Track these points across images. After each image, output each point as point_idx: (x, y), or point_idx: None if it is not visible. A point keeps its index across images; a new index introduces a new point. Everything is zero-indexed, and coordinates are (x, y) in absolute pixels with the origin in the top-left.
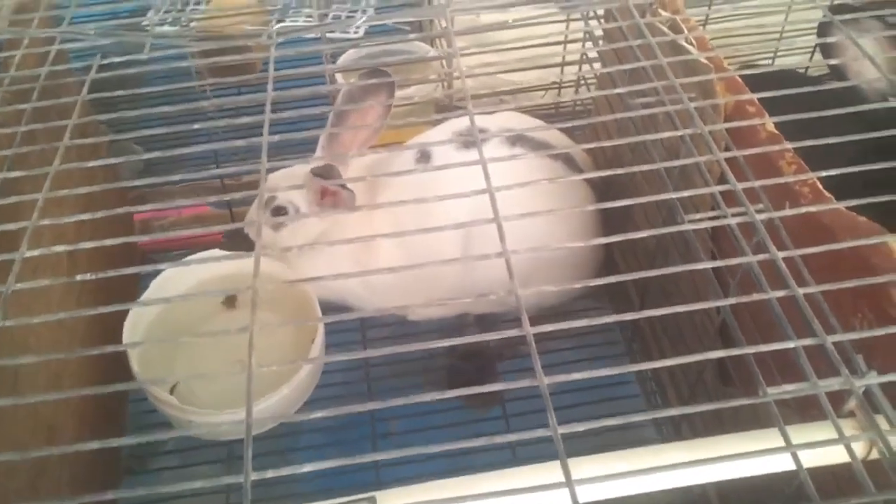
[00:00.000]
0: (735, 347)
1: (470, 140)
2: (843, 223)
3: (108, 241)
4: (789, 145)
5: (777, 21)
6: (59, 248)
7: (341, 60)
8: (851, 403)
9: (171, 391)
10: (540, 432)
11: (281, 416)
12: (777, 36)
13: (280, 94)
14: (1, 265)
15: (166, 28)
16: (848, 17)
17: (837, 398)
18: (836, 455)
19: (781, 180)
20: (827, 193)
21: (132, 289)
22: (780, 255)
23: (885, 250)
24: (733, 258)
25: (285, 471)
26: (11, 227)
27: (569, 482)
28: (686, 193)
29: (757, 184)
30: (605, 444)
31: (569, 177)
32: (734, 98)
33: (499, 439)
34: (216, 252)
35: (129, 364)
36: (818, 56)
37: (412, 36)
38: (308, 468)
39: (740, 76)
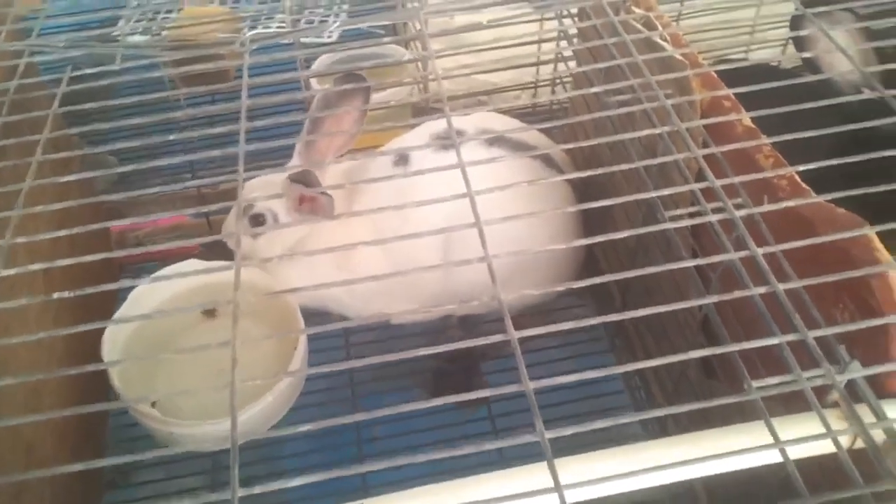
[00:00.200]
0: (718, 342)
1: (448, 142)
2: (822, 215)
3: (86, 258)
4: (767, 140)
5: (749, 16)
6: (36, 267)
7: (315, 65)
8: (835, 395)
9: (153, 404)
10: (527, 437)
11: (265, 427)
12: (749, 30)
13: (255, 102)
14: None
15: (137, 38)
16: (820, 9)
17: (822, 388)
18: (821, 446)
19: (759, 176)
20: (805, 186)
21: (110, 303)
22: (760, 251)
23: (865, 241)
24: (714, 254)
25: (274, 485)
26: None
27: (557, 487)
28: (666, 192)
29: (736, 180)
30: (591, 441)
31: (548, 176)
32: (710, 94)
33: (487, 445)
34: (194, 262)
35: (109, 379)
36: (791, 49)
37: (386, 39)
38: (297, 482)
39: (715, 71)
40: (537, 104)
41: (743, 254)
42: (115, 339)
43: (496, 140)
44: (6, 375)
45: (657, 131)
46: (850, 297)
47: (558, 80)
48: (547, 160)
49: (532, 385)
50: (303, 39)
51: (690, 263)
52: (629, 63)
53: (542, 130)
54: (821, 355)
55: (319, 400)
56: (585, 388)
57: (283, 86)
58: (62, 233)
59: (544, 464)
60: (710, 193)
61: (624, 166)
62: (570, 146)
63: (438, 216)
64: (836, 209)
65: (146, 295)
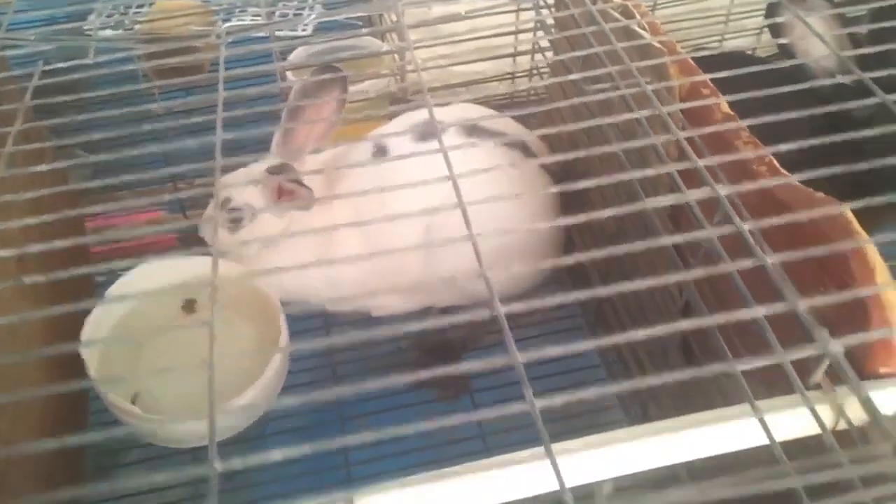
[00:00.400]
0: (699, 328)
1: (427, 132)
2: (800, 199)
3: (58, 243)
4: (745, 122)
5: (723, 4)
6: (5, 253)
7: (292, 58)
8: (818, 376)
9: (133, 401)
10: (517, 407)
11: (248, 420)
12: (723, 19)
13: (232, 94)
14: None
15: (109, 32)
16: None
17: (804, 372)
18: (805, 427)
19: (739, 156)
20: (783, 171)
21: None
22: (746, 225)
23: (843, 222)
24: (695, 235)
25: (254, 459)
26: None
27: (553, 462)
28: (649, 172)
29: (715, 159)
30: (574, 429)
31: (525, 163)
32: (689, 80)
33: (477, 416)
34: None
35: (87, 371)
36: (765, 38)
37: (363, 31)
38: (277, 456)
39: (692, 58)
40: (515, 94)
41: (726, 229)
42: (93, 338)
43: (473, 129)
44: None
45: (637, 115)
46: (831, 280)
47: (535, 71)
48: (525, 150)
49: (521, 357)
50: (278, 32)
51: (670, 241)
52: (607, 51)
53: (519, 120)
54: (811, 321)
55: (302, 393)
56: (568, 376)
57: (259, 79)
58: (32, 220)
59: (539, 449)
60: (688, 178)
61: (605, 147)
62: (548, 131)
63: (419, 206)
64: (815, 193)
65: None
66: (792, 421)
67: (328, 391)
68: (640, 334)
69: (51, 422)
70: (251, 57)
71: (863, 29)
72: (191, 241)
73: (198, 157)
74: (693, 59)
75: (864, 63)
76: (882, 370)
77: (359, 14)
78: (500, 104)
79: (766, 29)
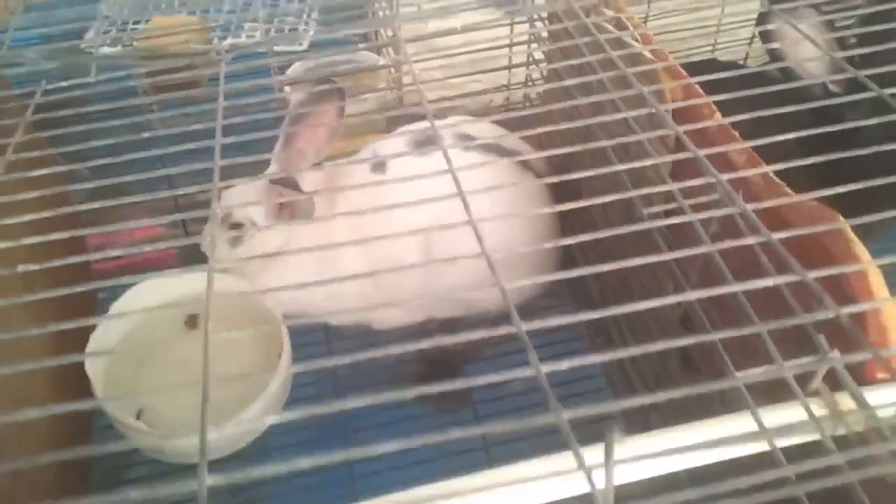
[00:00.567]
0: (699, 335)
1: (426, 147)
2: (798, 211)
3: (56, 263)
4: (735, 118)
5: (715, 14)
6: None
7: (289, 73)
8: (817, 382)
9: (139, 416)
10: (546, 418)
11: (245, 440)
12: (714, 29)
13: (233, 103)
14: None
15: (107, 49)
16: (785, 5)
17: (802, 379)
18: (806, 434)
19: (728, 148)
20: (779, 181)
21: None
22: (750, 207)
23: (840, 234)
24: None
25: (242, 475)
26: None
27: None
28: (647, 162)
29: (705, 150)
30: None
31: (523, 177)
32: (680, 82)
33: (499, 428)
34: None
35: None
36: (756, 47)
37: (360, 46)
38: (271, 470)
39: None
40: (510, 105)
41: (731, 210)
42: (97, 360)
43: (473, 144)
44: None
45: (633, 114)
46: (828, 289)
47: (530, 83)
48: (524, 165)
49: (544, 368)
50: (276, 48)
51: (667, 257)
52: (601, 59)
53: (515, 128)
54: (820, 291)
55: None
56: (569, 386)
57: (257, 93)
58: (35, 239)
59: (567, 453)
60: (685, 191)
61: (600, 142)
62: (539, 130)
63: (420, 221)
64: (812, 204)
65: (120, 320)
66: (792, 427)
67: (331, 405)
68: (641, 350)
69: (56, 436)
70: (249, 72)
71: (851, 33)
72: (192, 257)
73: (199, 175)
74: (684, 66)
75: (854, 66)
76: (880, 375)
77: (356, 31)
78: (497, 115)
79: (756, 39)
